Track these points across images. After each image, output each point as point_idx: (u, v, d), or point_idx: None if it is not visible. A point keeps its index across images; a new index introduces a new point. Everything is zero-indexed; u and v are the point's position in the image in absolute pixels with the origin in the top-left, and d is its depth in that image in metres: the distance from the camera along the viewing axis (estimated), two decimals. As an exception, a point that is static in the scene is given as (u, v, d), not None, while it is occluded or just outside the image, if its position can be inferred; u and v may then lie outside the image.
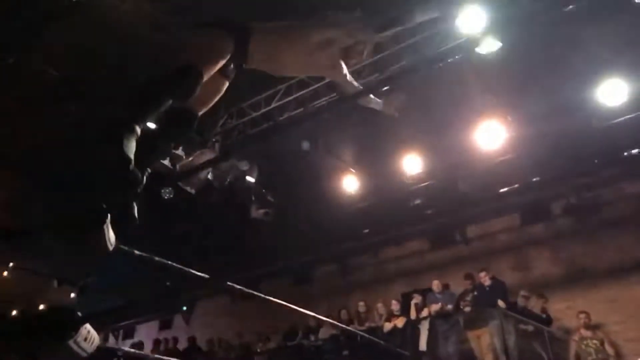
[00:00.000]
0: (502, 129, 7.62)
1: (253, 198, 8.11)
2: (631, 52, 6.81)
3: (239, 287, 2.68)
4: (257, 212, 8.18)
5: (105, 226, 2.16)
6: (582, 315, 8.30)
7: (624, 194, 9.52)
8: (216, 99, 2.74)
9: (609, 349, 7.94)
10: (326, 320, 4.88)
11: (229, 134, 7.95)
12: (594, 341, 7.96)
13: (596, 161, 8.70)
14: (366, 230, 10.85)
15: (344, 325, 7.40)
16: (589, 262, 9.44)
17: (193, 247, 10.83)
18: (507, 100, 7.39)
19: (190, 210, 9.14)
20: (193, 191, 6.97)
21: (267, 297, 3.03)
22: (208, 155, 7.11)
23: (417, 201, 10.16)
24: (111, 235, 2.26)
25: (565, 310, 8.84)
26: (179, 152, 7.07)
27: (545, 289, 9.13)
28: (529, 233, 10.41)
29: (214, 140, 7.31)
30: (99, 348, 2.22)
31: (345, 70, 3.00)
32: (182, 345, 12.17)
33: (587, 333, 8.14)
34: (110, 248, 2.23)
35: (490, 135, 7.67)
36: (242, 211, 8.33)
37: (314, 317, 10.02)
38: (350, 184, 9.34)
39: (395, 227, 10.92)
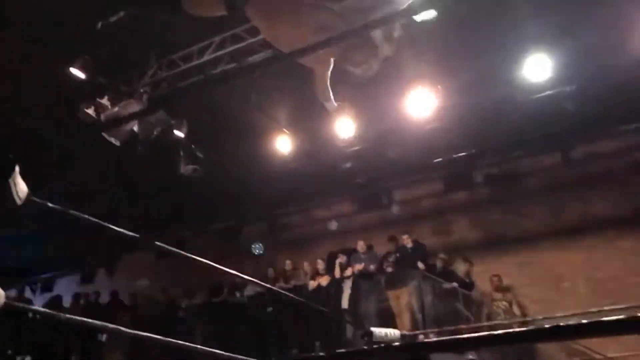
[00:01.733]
0: (432, 97, 7.79)
1: (182, 153, 7.94)
2: (557, 29, 7.09)
3: (161, 244, 2.63)
4: (185, 168, 8.02)
5: (11, 179, 2.04)
6: (495, 278, 8.85)
7: (541, 167, 10.09)
8: None
9: (516, 310, 8.52)
10: (251, 279, 4.93)
11: (157, 85, 7.67)
12: (504, 302, 8.53)
13: (517, 134, 9.11)
14: (296, 191, 10.92)
15: (267, 285, 7.51)
16: (504, 229, 10.00)
17: (118, 201, 10.54)
18: (438, 69, 7.55)
19: (114, 163, 8.85)
20: (118, 143, 6.73)
21: (191, 256, 3.00)
22: (135, 106, 6.86)
23: (348, 164, 10.31)
24: (21, 188, 2.14)
25: (480, 273, 9.35)
26: (104, 101, 6.78)
27: (463, 252, 9.64)
28: (451, 200, 10.85)
29: (141, 90, 7.04)
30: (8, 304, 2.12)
31: (327, 79, 2.91)
32: (104, 299, 11.95)
33: (498, 295, 8.70)
34: (19, 202, 2.12)
35: (421, 103, 7.83)
36: (170, 166, 8.15)
37: (240, 274, 10.18)
38: (282, 144, 9.32)
39: (325, 189, 11.07)
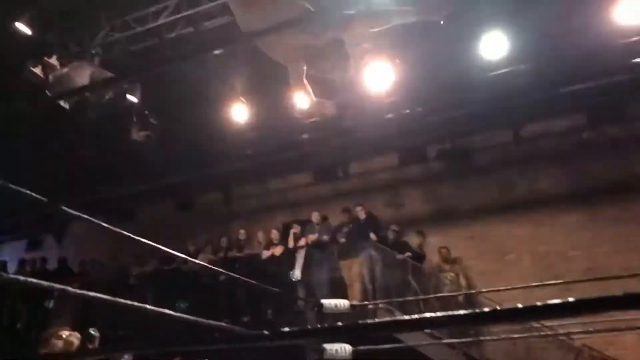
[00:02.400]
0: (389, 71, 7.81)
1: (135, 119, 7.73)
2: (514, 7, 7.19)
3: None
4: (138, 134, 7.83)
5: None
6: (443, 250, 9.12)
7: (492, 143, 10.36)
8: None
9: (463, 281, 8.82)
10: (203, 249, 4.93)
11: (110, 47, 7.40)
12: (451, 274, 8.81)
13: (471, 111, 9.28)
14: (252, 161, 10.85)
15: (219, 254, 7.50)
16: (454, 203, 10.27)
17: (67, 166, 10.23)
18: (397, 43, 7.56)
19: (64, 127, 8.55)
20: (67, 106, 6.48)
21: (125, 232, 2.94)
22: (86, 68, 6.60)
23: (305, 135, 10.30)
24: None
25: (430, 245, 9.60)
26: (53, 61, 6.49)
27: (414, 225, 9.86)
28: (405, 173, 11.04)
29: (92, 52, 6.78)
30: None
31: (303, 80, 2.81)
32: (51, 266, 11.67)
33: (446, 266, 8.97)
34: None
35: (378, 77, 7.85)
36: (122, 132, 7.94)
37: (192, 242, 10.11)
38: (239, 113, 9.20)
39: (281, 160, 11.04)
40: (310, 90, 2.97)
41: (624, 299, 1.02)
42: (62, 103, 6.40)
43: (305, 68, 2.81)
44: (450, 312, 1.21)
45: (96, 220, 2.45)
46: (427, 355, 7.35)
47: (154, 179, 10.92)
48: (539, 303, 1.08)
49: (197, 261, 6.77)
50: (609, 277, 6.79)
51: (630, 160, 9.21)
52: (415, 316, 1.25)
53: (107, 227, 2.54)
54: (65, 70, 6.48)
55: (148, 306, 2.56)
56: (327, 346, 4.18)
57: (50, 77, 6.29)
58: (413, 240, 9.47)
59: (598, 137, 9.54)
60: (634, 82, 8.03)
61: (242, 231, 10.22)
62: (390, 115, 9.18)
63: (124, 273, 10.65)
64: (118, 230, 2.67)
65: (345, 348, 4.35)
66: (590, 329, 5.86)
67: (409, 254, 8.80)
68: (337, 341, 4.18)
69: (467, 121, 9.85)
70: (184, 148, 10.01)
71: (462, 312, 1.22)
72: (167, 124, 8.59)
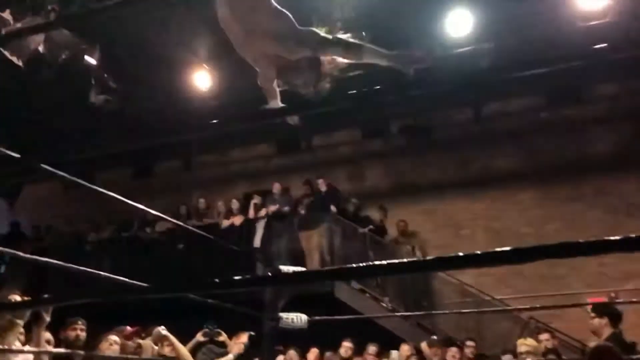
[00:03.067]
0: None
1: (93, 81, 7.48)
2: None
3: (48, 167, 2.48)
4: (96, 98, 7.60)
5: None
6: (402, 223, 9.30)
7: (452, 121, 10.52)
8: None
9: (419, 254, 9.03)
10: (162, 216, 4.87)
11: (68, 2, 7.08)
12: (407, 246, 9.01)
13: (434, 87, 9.35)
14: (214, 130, 10.70)
15: (177, 221, 7.45)
16: (414, 178, 10.44)
17: (21, 126, 9.87)
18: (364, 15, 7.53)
19: (18, 86, 8.21)
20: (20, 63, 6.21)
21: (88, 185, 2.89)
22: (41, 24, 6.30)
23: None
24: None
25: (390, 219, 9.76)
26: (6, 15, 6.18)
27: (375, 199, 9.99)
28: (367, 147, 11.13)
29: (49, 7, 6.48)
30: None
31: (272, 83, 2.72)
32: (2, 230, 11.35)
33: (403, 239, 9.17)
34: None
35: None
36: (79, 94, 7.69)
37: (151, 210, 9.97)
38: (201, 80, 9.04)
39: (243, 130, 10.93)
40: (278, 95, 2.92)
41: (557, 247, 1.10)
42: (15, 60, 6.14)
43: (274, 76, 2.76)
44: (390, 261, 1.26)
45: (76, 179, 2.41)
46: (382, 325, 7.54)
47: (112, 144, 10.65)
48: (478, 252, 1.14)
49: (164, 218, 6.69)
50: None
51: (584, 142, 9.53)
52: (353, 265, 1.29)
53: (84, 185, 2.48)
54: (18, 25, 6.19)
55: (102, 273, 2.54)
56: (283, 315, 4.25)
57: (3, 30, 6.00)
58: (375, 215, 9.60)
59: (555, 118, 9.81)
60: (591, 65, 8.25)
61: (201, 200, 10.15)
62: (352, 89, 9.17)
63: (80, 239, 10.46)
64: (104, 191, 2.62)
65: (301, 317, 4.43)
66: (537, 305, 6.13)
67: (371, 226, 8.93)
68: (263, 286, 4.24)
69: (429, 98, 9.95)
70: (144, 114, 9.78)
71: (401, 260, 1.27)
72: (127, 89, 8.38)
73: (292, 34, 2.49)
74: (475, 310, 7.93)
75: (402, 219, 9.42)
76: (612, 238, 1.11)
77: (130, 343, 4.45)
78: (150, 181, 12.71)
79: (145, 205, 3.69)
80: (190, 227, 6.88)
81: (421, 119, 10.68)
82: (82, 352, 3.61)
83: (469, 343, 6.13)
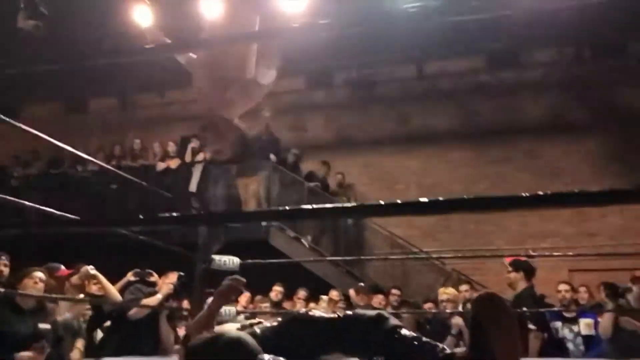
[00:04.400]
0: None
1: (22, 5, 6.97)
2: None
3: None
4: (25, 23, 7.09)
5: None
6: (339, 176, 9.45)
7: (394, 77, 10.62)
8: None
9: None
10: (86, 157, 4.73)
11: None
12: (343, 198, 9.19)
13: (380, 42, 9.36)
14: (152, 68, 10.31)
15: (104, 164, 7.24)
16: (354, 131, 10.55)
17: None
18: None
19: None
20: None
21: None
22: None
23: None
24: None
25: (319, 167, 9.86)
26: None
27: (315, 150, 10.05)
28: (310, 98, 11.08)
29: None
30: None
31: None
32: None
33: (340, 190, 9.33)
34: None
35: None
36: (7, 17, 7.15)
37: (83, 148, 9.60)
38: (142, 15, 8.61)
39: (183, 70, 10.60)
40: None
41: (472, 200, 1.18)
42: None
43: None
44: (314, 206, 1.31)
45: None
46: (314, 272, 7.75)
47: (42, 76, 10.10)
48: (398, 200, 1.21)
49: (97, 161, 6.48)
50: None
51: (518, 106, 9.88)
52: (274, 208, 1.34)
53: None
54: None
55: (26, 202, 2.47)
56: (216, 257, 4.29)
57: None
58: (319, 169, 9.65)
59: (493, 80, 10.09)
60: (530, 30, 8.49)
61: (137, 140, 9.88)
62: (300, 38, 9.03)
63: (5, 173, 9.98)
64: (26, 127, 2.50)
65: (234, 260, 4.50)
66: (459, 254, 6.46)
67: (317, 183, 9.02)
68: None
69: (374, 52, 9.96)
70: (77, 45, 9.27)
71: (325, 205, 1.33)
72: (60, 17, 7.87)
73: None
74: (401, 257, 8.27)
75: (339, 172, 9.56)
76: (523, 195, 1.19)
77: (55, 283, 4.37)
78: (85, 118, 12.20)
79: (80, 143, 3.57)
80: (115, 170, 6.71)
81: (365, 73, 10.71)
82: (1, 290, 3.50)
83: (394, 291, 6.40)
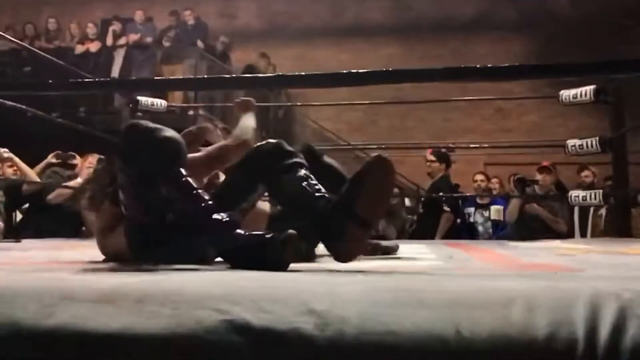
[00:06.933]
0: None
1: None
2: None
3: None
4: None
5: None
6: (270, 67, 9.23)
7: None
8: None
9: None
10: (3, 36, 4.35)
11: None
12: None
13: None
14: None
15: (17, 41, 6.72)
16: (287, 21, 10.23)
17: None
18: None
19: None
20: None
21: None
22: None
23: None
24: None
25: (258, 59, 9.62)
26: None
27: (244, 39, 9.70)
28: (240, -18, 10.54)
29: None
30: None
31: None
32: None
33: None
34: None
35: None
36: None
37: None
38: None
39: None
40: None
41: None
42: None
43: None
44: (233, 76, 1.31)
45: None
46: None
47: None
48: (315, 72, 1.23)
49: None
50: (410, 101, 7.69)
51: (451, 3, 9.86)
52: (191, 76, 1.32)
53: None
54: None
55: None
56: (142, 98, 4.32)
57: None
58: (257, 62, 9.32)
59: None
60: None
61: (52, 20, 9.15)
62: None
63: None
64: None
65: (162, 102, 4.51)
66: (383, 146, 6.69)
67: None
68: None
69: None
70: None
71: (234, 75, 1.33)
72: None
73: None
74: (328, 147, 8.43)
75: (272, 63, 9.35)
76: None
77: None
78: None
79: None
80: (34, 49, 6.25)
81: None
82: None
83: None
